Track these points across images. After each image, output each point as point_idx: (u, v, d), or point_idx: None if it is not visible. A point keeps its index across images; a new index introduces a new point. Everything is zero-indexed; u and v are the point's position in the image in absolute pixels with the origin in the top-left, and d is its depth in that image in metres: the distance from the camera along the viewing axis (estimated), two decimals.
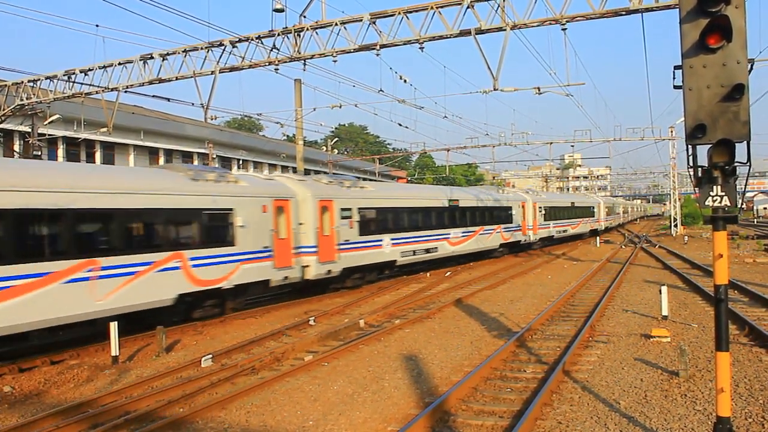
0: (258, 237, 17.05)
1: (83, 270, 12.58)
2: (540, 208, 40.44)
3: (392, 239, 23.45)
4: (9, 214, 11.40)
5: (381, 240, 22.73)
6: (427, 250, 26.14)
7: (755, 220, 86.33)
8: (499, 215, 33.61)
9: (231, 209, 16.30)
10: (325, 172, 49.69)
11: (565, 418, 7.99)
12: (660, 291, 14.99)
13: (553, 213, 42.92)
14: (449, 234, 27.88)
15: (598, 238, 49.28)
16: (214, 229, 15.91)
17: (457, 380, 9.78)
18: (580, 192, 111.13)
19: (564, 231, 45.62)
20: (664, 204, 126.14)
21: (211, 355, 11.88)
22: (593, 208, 56.04)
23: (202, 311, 15.95)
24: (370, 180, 38.44)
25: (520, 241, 36.81)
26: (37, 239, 12.10)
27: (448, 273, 26.55)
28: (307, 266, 18.97)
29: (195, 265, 15.16)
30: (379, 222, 22.69)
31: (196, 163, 47.51)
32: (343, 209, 20.63)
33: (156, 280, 14.14)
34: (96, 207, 13.03)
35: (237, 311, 17.00)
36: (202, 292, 15.44)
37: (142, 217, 14.07)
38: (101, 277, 12.92)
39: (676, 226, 55.40)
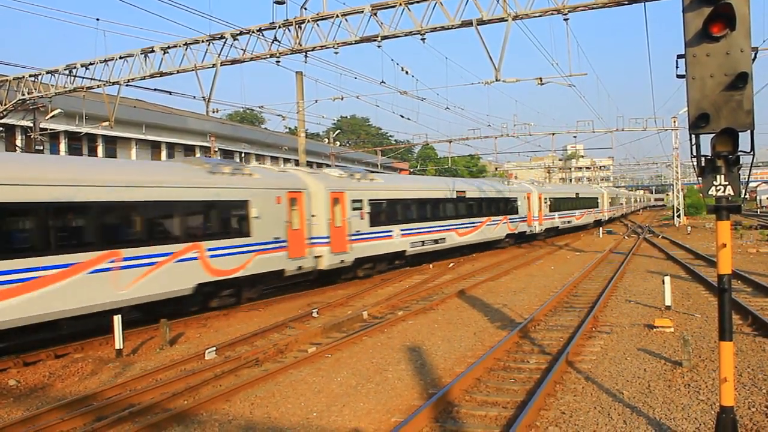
0: (523, 212, 36.38)
1: (433, 226, 26.37)
2: (609, 198, 61.92)
3: (558, 215, 43.42)
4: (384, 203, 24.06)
5: (554, 215, 42.62)
6: (569, 221, 46.53)
7: (758, 210, 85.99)
8: (591, 203, 54.30)
9: (516, 197, 35.44)
10: (327, 165, 49.82)
11: (569, 408, 8.01)
12: (663, 281, 15.00)
13: (611, 201, 65.21)
14: (575, 213, 48.21)
15: (600, 228, 49.45)
16: (506, 207, 33.99)
17: (460, 371, 9.81)
18: (584, 183, 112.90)
19: (614, 213, 67.61)
20: (667, 194, 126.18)
21: (215, 348, 11.91)
22: (622, 198, 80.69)
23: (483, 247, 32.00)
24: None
25: (600, 219, 56.86)
26: (423, 212, 25.93)
27: (452, 264, 26.64)
28: (535, 227, 38.72)
29: (488, 225, 31.80)
30: (554, 205, 42.31)
31: (197, 155, 47.48)
32: (544, 198, 40.56)
33: (484, 231, 31.05)
34: (432, 197, 26.77)
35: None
36: (491, 240, 32.55)
37: (479, 201, 31.04)
38: (451, 229, 27.84)
39: (678, 216, 55.32)
